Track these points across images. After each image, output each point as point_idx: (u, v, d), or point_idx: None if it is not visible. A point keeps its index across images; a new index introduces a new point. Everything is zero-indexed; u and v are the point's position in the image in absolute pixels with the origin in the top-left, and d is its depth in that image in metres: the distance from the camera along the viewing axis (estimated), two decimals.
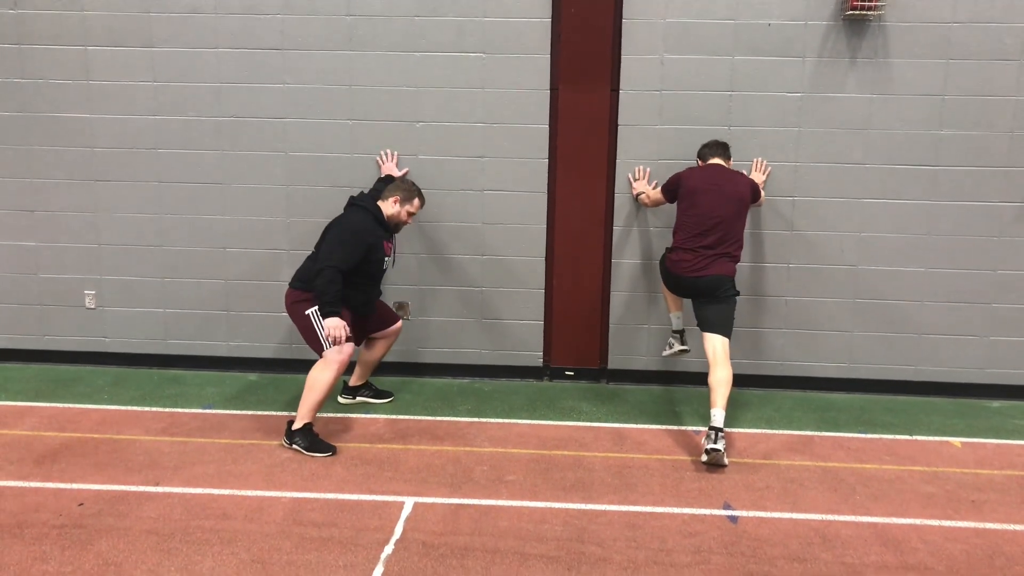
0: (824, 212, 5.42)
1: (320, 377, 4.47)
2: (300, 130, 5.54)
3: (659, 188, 5.09)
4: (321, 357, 4.54)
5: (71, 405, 5.15)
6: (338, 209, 4.92)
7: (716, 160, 4.95)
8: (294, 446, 4.49)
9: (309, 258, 4.81)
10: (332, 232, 4.67)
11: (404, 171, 5.47)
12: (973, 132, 5.29)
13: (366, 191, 5.10)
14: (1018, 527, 3.81)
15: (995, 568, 3.46)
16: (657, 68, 5.34)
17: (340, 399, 5.25)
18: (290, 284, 4.81)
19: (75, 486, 4.05)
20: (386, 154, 5.49)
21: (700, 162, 5.04)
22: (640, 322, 5.65)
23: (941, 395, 5.55)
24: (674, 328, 5.32)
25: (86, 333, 5.89)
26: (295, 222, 5.61)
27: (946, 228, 5.41)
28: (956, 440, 4.86)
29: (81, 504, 3.87)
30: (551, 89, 5.42)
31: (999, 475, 4.37)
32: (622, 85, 5.38)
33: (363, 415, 5.06)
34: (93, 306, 5.85)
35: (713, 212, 4.66)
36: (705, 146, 5.04)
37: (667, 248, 4.94)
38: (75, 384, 5.53)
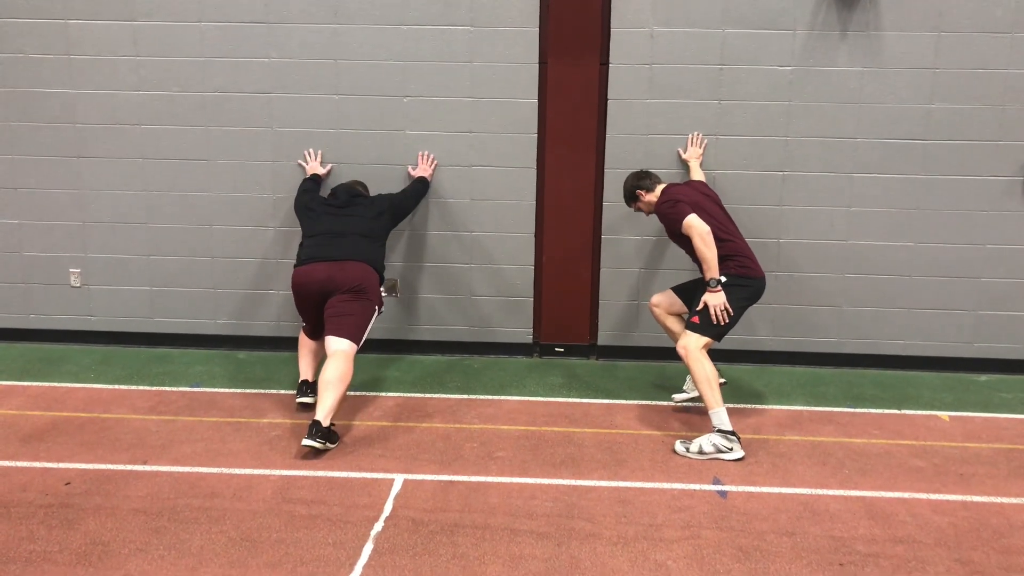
0: (814, 186, 5.41)
1: (350, 373, 4.33)
2: (286, 105, 5.47)
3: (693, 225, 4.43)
4: (348, 348, 4.39)
5: (57, 384, 5.12)
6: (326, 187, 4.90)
7: (661, 185, 4.77)
8: (328, 444, 4.20)
9: (357, 236, 4.71)
10: (379, 201, 5.02)
11: (328, 167, 5.42)
12: (964, 106, 5.26)
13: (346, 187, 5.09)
14: (1005, 500, 3.84)
15: (982, 540, 3.49)
16: (647, 41, 5.28)
17: (306, 400, 4.76)
18: (360, 259, 4.62)
19: (62, 465, 4.03)
20: (310, 154, 5.43)
21: (650, 193, 4.73)
22: (630, 298, 5.63)
23: (929, 369, 5.57)
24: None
25: (72, 311, 5.84)
26: (281, 198, 5.55)
27: (936, 202, 5.40)
28: (944, 414, 4.88)
29: (68, 483, 3.85)
30: (540, 63, 5.36)
31: (986, 448, 4.40)
32: (612, 59, 5.32)
33: (350, 392, 5.04)
34: (78, 284, 5.79)
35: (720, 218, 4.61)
36: (646, 178, 4.78)
37: (729, 274, 4.43)
38: (61, 363, 5.49)
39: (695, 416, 4.77)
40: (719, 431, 4.23)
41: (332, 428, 4.25)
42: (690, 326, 4.46)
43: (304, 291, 4.63)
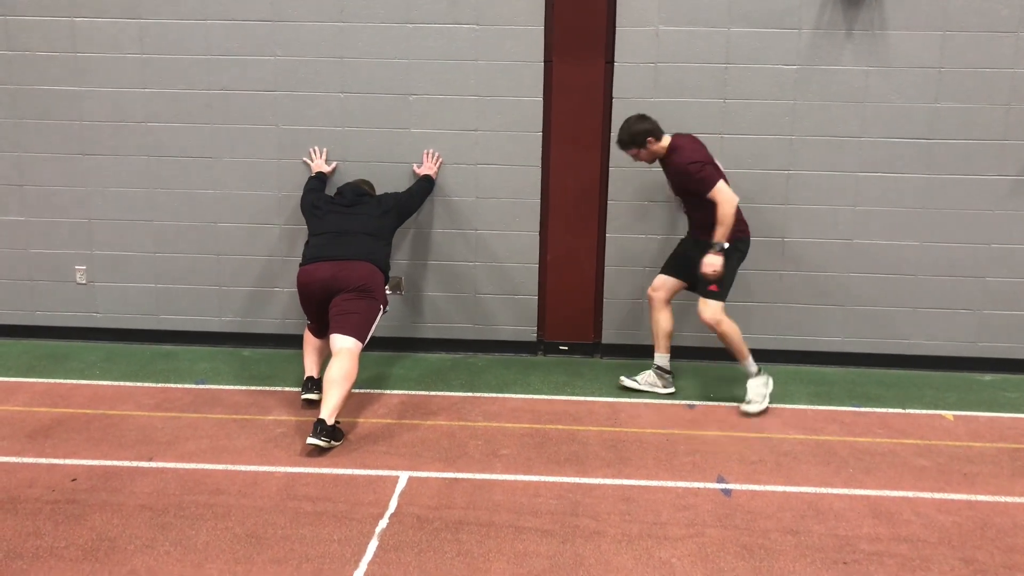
0: (819, 185, 5.40)
1: (355, 371, 4.36)
2: (291, 103, 5.48)
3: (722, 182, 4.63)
4: (353, 346, 4.41)
5: (63, 381, 5.13)
6: (331, 185, 4.93)
7: (666, 135, 4.81)
8: (333, 442, 4.21)
9: (363, 235, 4.73)
10: (386, 200, 5.05)
11: (333, 165, 5.43)
12: (969, 105, 5.26)
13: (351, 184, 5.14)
14: (1009, 499, 3.83)
15: (986, 539, 3.49)
16: (652, 40, 5.28)
17: (311, 396, 4.74)
18: (365, 259, 4.64)
19: (68, 461, 4.04)
20: (315, 151, 5.44)
21: (659, 140, 4.76)
22: (635, 296, 5.63)
23: (934, 369, 5.56)
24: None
25: (77, 308, 5.85)
26: (287, 196, 5.57)
27: (941, 202, 5.39)
28: (948, 413, 4.88)
29: (74, 479, 3.86)
30: (545, 61, 5.36)
31: (991, 448, 4.40)
32: (617, 57, 5.32)
33: (355, 390, 5.04)
34: (84, 281, 5.81)
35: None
36: (654, 123, 4.75)
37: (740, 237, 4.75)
38: (67, 360, 5.50)
39: (699, 414, 4.77)
40: (757, 374, 4.84)
41: (337, 426, 4.25)
42: (710, 295, 4.70)
43: (308, 290, 4.63)
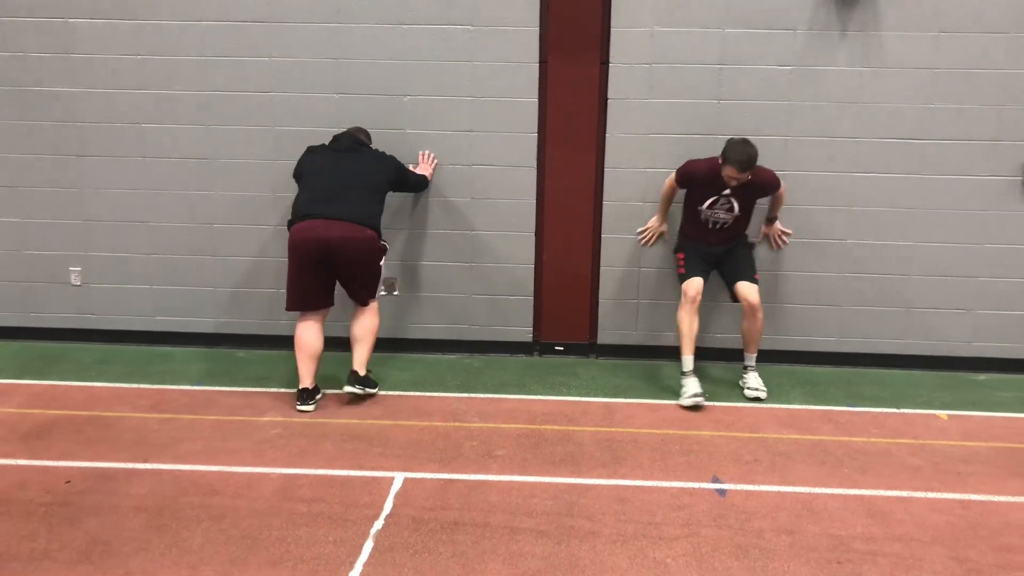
0: (814, 186, 5.41)
1: (376, 324, 4.92)
2: (286, 104, 5.48)
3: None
4: (368, 304, 4.90)
5: (58, 382, 5.13)
6: None
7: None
8: (368, 389, 4.81)
9: (359, 190, 4.80)
10: (389, 161, 5.05)
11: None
12: (963, 106, 5.27)
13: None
14: (1002, 499, 3.85)
15: (979, 539, 3.50)
16: (647, 41, 5.29)
17: (307, 408, 4.75)
18: (357, 221, 4.71)
19: (63, 463, 4.04)
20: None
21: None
22: (630, 297, 5.64)
23: (928, 368, 5.58)
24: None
25: (72, 310, 5.84)
26: (281, 197, 5.56)
27: (935, 202, 5.41)
28: (942, 413, 4.89)
29: (69, 481, 3.86)
30: (540, 62, 5.37)
31: (984, 447, 4.41)
32: (612, 58, 5.33)
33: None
34: (79, 283, 5.80)
35: None
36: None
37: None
38: (61, 361, 5.50)
39: (694, 414, 4.78)
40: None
41: (369, 375, 4.82)
42: (755, 282, 5.07)
43: (304, 248, 4.68)
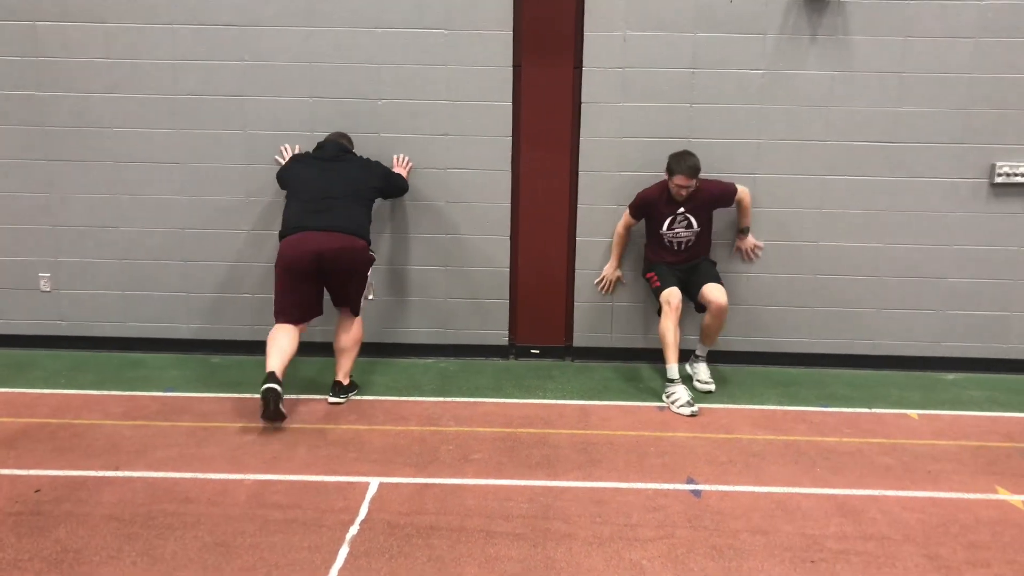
0: (785, 189, 5.47)
1: (361, 335, 5.01)
2: (259, 108, 5.45)
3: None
4: (355, 315, 4.96)
5: (27, 390, 5.05)
6: None
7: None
8: (351, 397, 4.95)
9: (347, 199, 4.79)
10: (376, 168, 5.08)
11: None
12: (931, 109, 5.35)
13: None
14: (972, 496, 3.91)
15: (950, 536, 3.55)
16: (620, 45, 5.32)
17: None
18: (350, 232, 4.71)
19: (32, 472, 3.97)
20: (286, 149, 5.40)
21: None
22: (605, 300, 5.66)
23: (899, 368, 5.66)
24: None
25: (41, 316, 5.76)
26: (254, 201, 5.53)
27: (904, 204, 5.48)
28: (913, 412, 4.96)
29: (38, 490, 3.80)
30: (514, 66, 5.38)
31: (954, 445, 4.48)
32: (585, 62, 5.36)
33: (322, 396, 5.01)
34: (48, 289, 5.72)
35: None
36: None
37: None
38: (31, 368, 5.41)
39: (669, 416, 4.81)
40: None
41: (351, 381, 4.97)
42: (723, 285, 5.19)
43: (297, 264, 4.65)
